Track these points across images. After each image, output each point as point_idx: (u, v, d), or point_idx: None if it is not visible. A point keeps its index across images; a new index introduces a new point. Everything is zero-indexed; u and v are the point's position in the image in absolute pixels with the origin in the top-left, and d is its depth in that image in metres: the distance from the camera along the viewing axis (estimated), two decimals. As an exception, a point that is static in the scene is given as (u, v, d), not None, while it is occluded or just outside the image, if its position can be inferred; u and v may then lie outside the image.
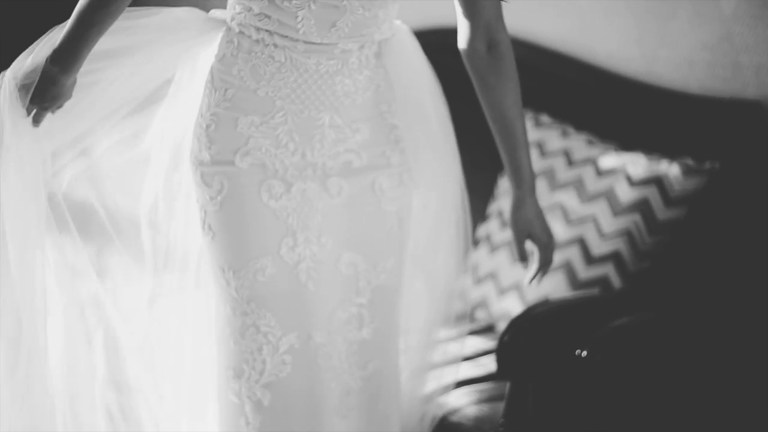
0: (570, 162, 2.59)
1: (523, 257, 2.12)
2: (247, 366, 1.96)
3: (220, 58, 1.95)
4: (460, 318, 2.34)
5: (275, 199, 1.96)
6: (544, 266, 2.11)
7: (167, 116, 2.04)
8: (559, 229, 2.50)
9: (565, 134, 2.66)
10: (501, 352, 2.05)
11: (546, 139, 2.66)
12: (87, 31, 1.85)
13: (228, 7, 1.97)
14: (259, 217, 1.95)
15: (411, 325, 2.18)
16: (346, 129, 1.98)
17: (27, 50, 1.91)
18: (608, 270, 2.44)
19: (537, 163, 2.59)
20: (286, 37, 1.90)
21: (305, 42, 1.90)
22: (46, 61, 1.86)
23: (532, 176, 2.10)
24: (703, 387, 2.29)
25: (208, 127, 1.95)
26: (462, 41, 2.04)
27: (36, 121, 1.88)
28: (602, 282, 2.44)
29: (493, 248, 2.66)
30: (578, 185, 2.54)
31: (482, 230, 2.73)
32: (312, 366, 1.99)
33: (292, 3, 1.85)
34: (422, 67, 2.11)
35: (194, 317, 2.08)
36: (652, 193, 2.44)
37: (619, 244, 2.44)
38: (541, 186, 2.55)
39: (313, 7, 1.86)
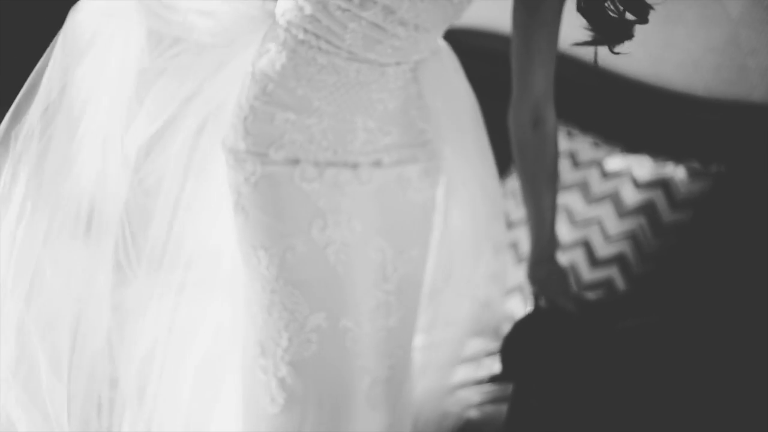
0: (575, 163, 2.59)
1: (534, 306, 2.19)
2: (272, 342, 1.97)
3: (264, 53, 1.97)
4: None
5: (308, 182, 1.98)
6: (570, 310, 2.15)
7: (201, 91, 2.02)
8: (564, 231, 2.50)
9: (570, 135, 2.65)
10: (505, 353, 2.04)
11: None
12: None
13: (279, 2, 1.99)
14: (292, 197, 1.97)
15: (440, 336, 2.20)
16: (378, 132, 2.01)
17: None
18: (613, 272, 2.43)
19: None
20: (332, 43, 1.92)
21: (348, 52, 1.93)
22: None
23: (552, 246, 2.17)
24: (705, 389, 2.28)
25: (245, 118, 1.97)
26: (510, 111, 2.10)
27: None
28: (607, 284, 2.43)
29: (497, 249, 2.65)
30: (583, 187, 2.53)
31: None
32: (340, 349, 1.99)
33: (344, 14, 1.88)
34: (460, 87, 2.13)
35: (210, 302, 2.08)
36: (657, 196, 2.43)
37: (624, 247, 2.43)
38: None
39: (363, 23, 1.89)
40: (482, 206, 2.20)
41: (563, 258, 2.44)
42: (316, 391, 1.97)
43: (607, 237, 2.46)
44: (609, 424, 2.09)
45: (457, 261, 2.22)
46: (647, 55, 2.68)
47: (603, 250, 2.45)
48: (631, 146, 2.58)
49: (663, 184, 2.43)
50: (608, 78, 2.73)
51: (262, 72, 1.96)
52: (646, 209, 2.43)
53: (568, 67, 2.78)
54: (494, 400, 2.23)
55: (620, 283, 2.42)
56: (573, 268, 2.46)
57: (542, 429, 2.07)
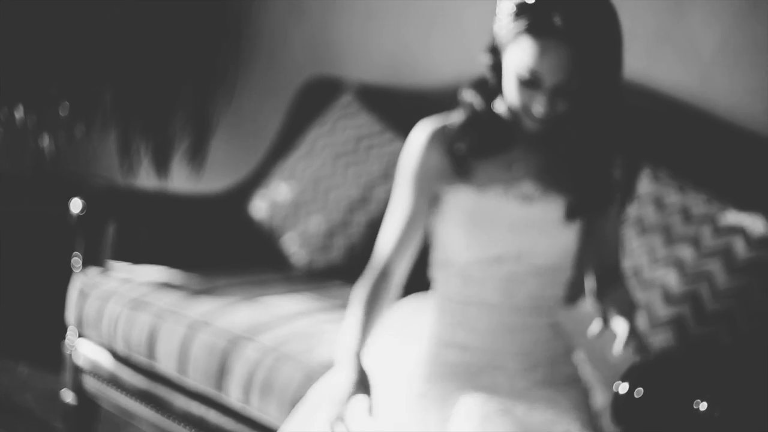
0: (687, 218, 2.55)
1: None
2: None
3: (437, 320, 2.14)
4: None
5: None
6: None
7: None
8: (674, 283, 2.46)
9: (682, 190, 2.62)
10: (618, 402, 2.01)
11: (663, 195, 2.62)
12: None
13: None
14: None
15: None
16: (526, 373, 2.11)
17: None
18: (720, 328, 2.40)
19: (653, 217, 2.59)
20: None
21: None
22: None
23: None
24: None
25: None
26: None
27: None
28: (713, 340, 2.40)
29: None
30: (695, 241, 2.50)
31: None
32: None
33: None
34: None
35: None
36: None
37: (733, 303, 2.40)
38: (658, 242, 2.54)
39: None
40: None
41: (672, 311, 2.41)
42: None
43: (716, 292, 2.42)
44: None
45: None
46: (765, 109, 2.65)
47: (712, 305, 2.42)
48: (744, 203, 2.54)
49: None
50: (723, 129, 2.70)
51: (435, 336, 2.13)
52: (758, 267, 2.40)
53: (683, 116, 2.75)
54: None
55: (727, 340, 2.39)
56: (681, 321, 2.42)
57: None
